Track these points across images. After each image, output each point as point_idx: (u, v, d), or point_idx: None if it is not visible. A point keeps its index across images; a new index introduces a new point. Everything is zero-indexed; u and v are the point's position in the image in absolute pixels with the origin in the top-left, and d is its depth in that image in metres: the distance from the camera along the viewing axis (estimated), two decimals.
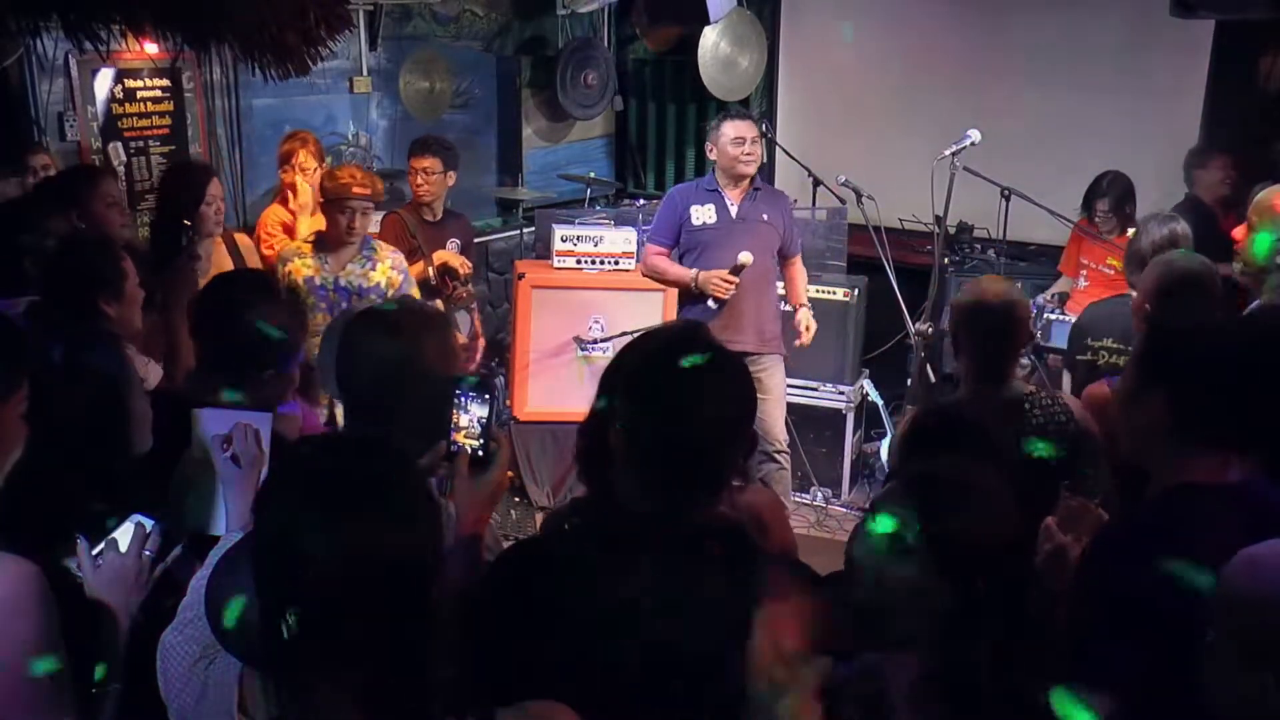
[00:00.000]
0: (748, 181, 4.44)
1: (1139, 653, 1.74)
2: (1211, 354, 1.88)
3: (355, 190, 3.90)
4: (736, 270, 4.23)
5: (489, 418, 1.80)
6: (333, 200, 3.94)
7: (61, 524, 1.86)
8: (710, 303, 4.28)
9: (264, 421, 2.18)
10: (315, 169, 4.50)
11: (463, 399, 1.81)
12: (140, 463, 2.11)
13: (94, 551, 1.82)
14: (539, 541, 1.83)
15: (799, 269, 4.67)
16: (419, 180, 4.77)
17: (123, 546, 1.84)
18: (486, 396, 1.80)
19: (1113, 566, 1.85)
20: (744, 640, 1.44)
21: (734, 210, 4.44)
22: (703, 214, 4.44)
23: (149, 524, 1.87)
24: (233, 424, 2.13)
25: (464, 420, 1.80)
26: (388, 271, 3.98)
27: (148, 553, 1.85)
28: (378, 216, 5.14)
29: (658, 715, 1.46)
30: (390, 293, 3.89)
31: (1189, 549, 1.51)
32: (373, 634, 1.17)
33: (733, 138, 4.35)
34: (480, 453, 1.79)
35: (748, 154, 4.36)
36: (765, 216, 4.44)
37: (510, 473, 2.00)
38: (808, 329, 4.52)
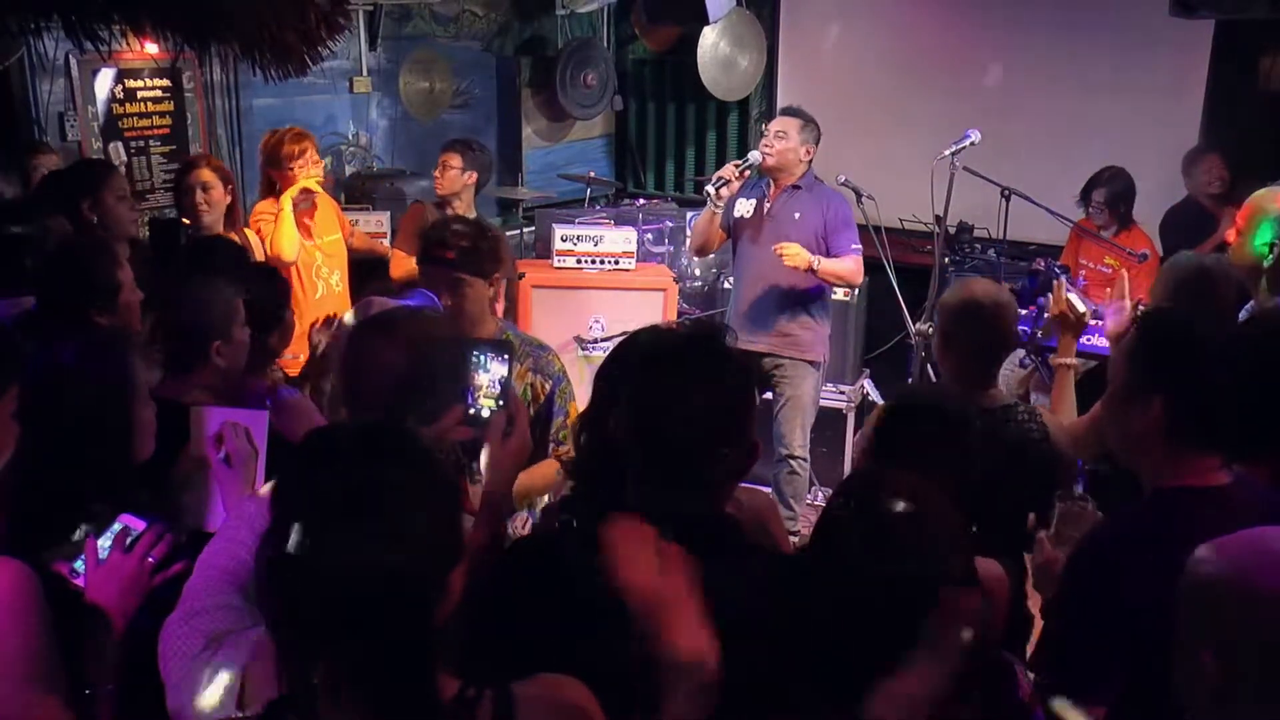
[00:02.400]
0: (789, 177, 4.45)
1: (1122, 657, 1.74)
2: (1210, 357, 1.85)
3: (434, 251, 2.90)
4: (743, 162, 4.39)
5: (508, 376, 1.80)
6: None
7: (60, 526, 1.85)
8: (713, 186, 4.32)
9: (258, 419, 2.18)
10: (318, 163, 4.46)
11: (482, 358, 1.81)
12: (140, 464, 2.11)
13: (100, 545, 1.80)
14: (540, 540, 1.83)
15: (845, 259, 4.42)
16: (442, 173, 4.78)
17: (109, 547, 1.82)
18: (505, 356, 1.80)
19: (1097, 570, 1.84)
20: (741, 636, 1.44)
21: (767, 207, 4.48)
22: (744, 206, 4.51)
23: (139, 525, 1.86)
24: (222, 424, 2.13)
25: (483, 380, 1.80)
26: (526, 375, 2.87)
27: (150, 559, 1.84)
28: (371, 216, 5.14)
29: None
30: (534, 408, 2.83)
31: (1175, 552, 1.50)
32: (381, 639, 1.17)
33: (764, 130, 4.53)
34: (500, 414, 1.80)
35: (765, 144, 4.43)
36: (798, 215, 4.42)
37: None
38: (786, 249, 4.26)
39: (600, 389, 1.60)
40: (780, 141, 4.40)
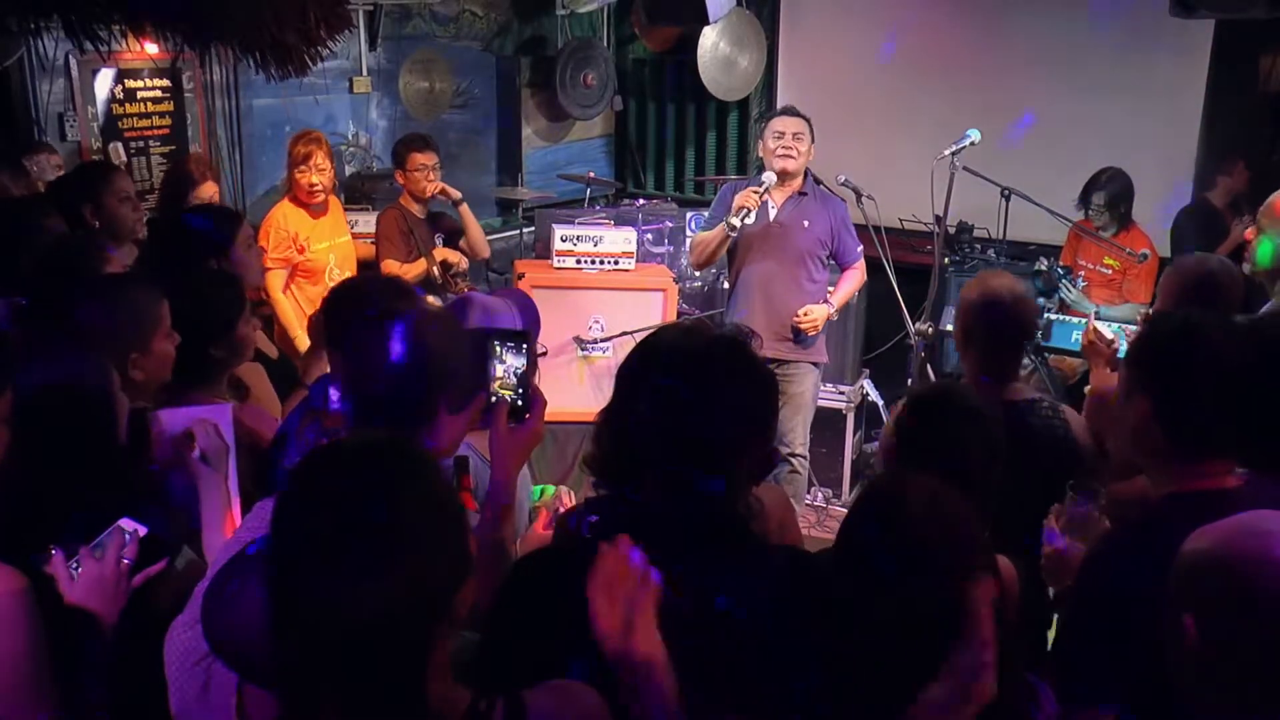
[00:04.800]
0: (797, 183, 4.42)
1: (1131, 665, 1.73)
2: (1196, 360, 1.82)
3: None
4: (759, 184, 4.31)
5: (525, 368, 1.83)
6: None
7: (51, 527, 1.83)
8: (736, 218, 4.24)
9: (222, 413, 2.18)
10: (329, 169, 4.48)
11: (500, 349, 1.83)
12: (127, 464, 2.09)
13: (71, 562, 1.77)
14: (559, 550, 1.81)
15: (851, 273, 4.57)
16: (430, 176, 4.73)
17: (107, 548, 1.79)
18: (523, 347, 1.83)
19: (1111, 575, 1.83)
20: (756, 635, 1.43)
21: (773, 213, 4.43)
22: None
23: (140, 530, 1.83)
24: (190, 422, 2.11)
25: (500, 371, 1.83)
26: None
27: (125, 560, 1.79)
28: (370, 217, 5.16)
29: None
30: None
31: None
32: (382, 665, 1.15)
33: (774, 132, 4.39)
34: (518, 402, 1.82)
35: (786, 148, 4.34)
36: (807, 223, 4.41)
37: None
38: (808, 315, 4.39)
39: (622, 387, 1.59)
40: (801, 144, 4.36)
